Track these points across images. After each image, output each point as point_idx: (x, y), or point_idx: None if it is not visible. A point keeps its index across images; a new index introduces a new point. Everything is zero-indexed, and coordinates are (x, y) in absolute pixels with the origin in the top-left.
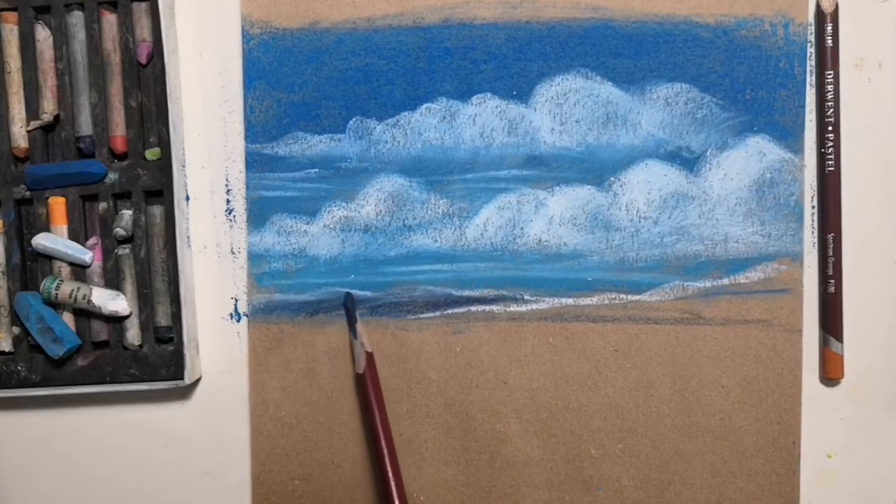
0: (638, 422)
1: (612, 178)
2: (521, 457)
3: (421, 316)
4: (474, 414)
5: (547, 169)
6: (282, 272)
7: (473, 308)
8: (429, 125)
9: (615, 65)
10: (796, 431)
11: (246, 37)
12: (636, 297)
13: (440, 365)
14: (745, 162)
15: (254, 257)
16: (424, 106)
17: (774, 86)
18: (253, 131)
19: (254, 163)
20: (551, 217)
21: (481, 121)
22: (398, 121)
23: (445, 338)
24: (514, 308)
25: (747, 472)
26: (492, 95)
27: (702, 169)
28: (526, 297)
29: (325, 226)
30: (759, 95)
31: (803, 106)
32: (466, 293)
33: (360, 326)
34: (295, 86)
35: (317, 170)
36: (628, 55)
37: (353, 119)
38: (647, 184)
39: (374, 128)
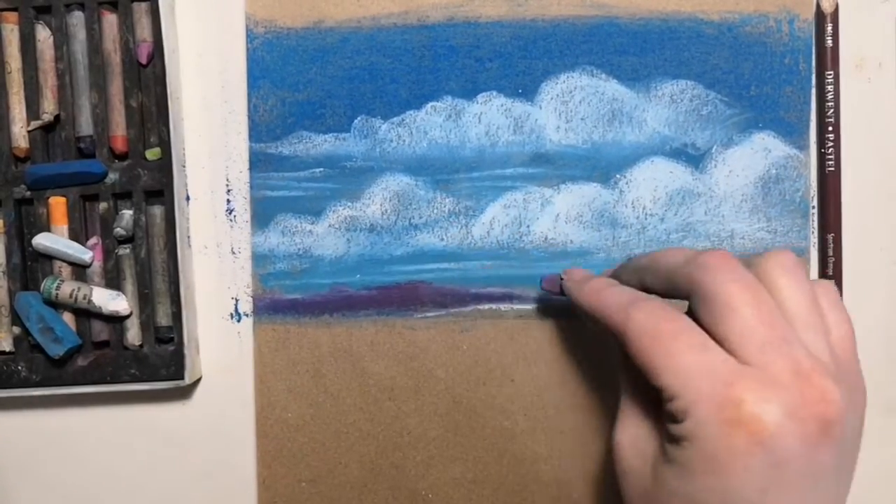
0: None
1: (617, 176)
2: (529, 454)
3: (428, 315)
4: (482, 411)
5: (553, 167)
6: (286, 272)
7: (480, 306)
8: (434, 124)
9: (620, 62)
10: None
11: (250, 36)
12: None
13: (447, 363)
14: (750, 158)
15: (258, 258)
16: (430, 104)
17: (779, 82)
18: (257, 131)
19: (258, 162)
20: (557, 215)
21: (487, 119)
22: (403, 119)
23: (452, 336)
24: (520, 306)
25: None
26: (497, 94)
27: (707, 166)
28: (533, 295)
29: (330, 225)
30: (763, 92)
31: (808, 102)
32: (473, 291)
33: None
34: (299, 85)
35: (322, 169)
36: (633, 52)
37: (358, 118)
38: (652, 181)
39: (380, 127)
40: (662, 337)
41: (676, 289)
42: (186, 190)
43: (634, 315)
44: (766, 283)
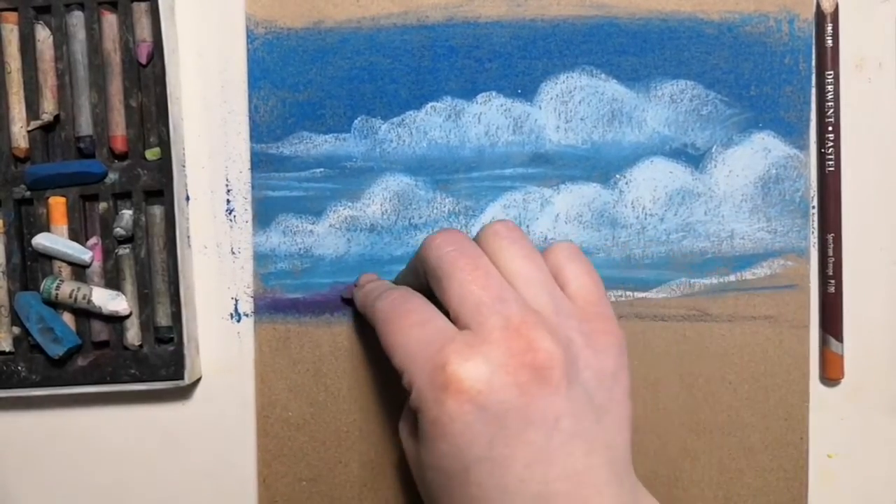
0: (645, 418)
1: (617, 176)
2: None
3: None
4: None
5: (552, 167)
6: (287, 272)
7: None
8: (434, 124)
9: (620, 62)
10: (804, 427)
11: (250, 37)
12: (642, 295)
13: None
14: (750, 158)
15: (260, 257)
16: (429, 105)
17: (779, 82)
18: (258, 131)
19: (259, 163)
20: (557, 215)
21: (486, 119)
22: (403, 120)
23: None
24: None
25: (755, 469)
26: (497, 94)
27: (707, 166)
28: None
29: (330, 225)
30: (763, 91)
31: (808, 102)
32: None
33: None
34: (300, 85)
35: (322, 169)
36: (633, 52)
37: (358, 118)
38: (652, 181)
39: (380, 127)
40: (393, 319)
41: (419, 275)
42: (186, 190)
43: (378, 305)
44: (487, 251)
